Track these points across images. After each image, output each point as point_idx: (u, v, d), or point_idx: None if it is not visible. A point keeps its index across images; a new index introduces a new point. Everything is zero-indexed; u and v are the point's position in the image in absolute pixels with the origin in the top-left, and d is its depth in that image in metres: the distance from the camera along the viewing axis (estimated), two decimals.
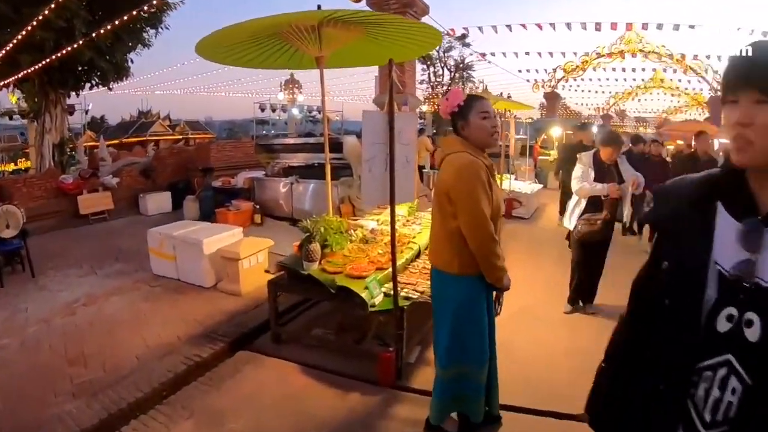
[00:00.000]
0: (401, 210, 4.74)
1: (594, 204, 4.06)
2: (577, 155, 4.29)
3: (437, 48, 23.88)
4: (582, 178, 4.10)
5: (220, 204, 7.73)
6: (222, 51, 4.36)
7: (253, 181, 8.31)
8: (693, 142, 10.93)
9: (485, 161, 2.23)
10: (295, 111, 17.92)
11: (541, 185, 10.56)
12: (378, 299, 3.13)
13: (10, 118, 17.90)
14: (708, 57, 19.75)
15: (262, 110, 20.23)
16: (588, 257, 4.24)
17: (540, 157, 14.13)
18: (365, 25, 4.15)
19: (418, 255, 3.91)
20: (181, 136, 29.73)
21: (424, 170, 9.41)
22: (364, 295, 3.08)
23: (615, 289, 4.48)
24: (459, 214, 2.17)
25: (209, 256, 4.85)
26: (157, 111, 32.18)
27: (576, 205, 4.22)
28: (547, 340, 3.86)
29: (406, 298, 3.12)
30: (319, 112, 21.82)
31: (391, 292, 3.05)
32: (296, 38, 4.06)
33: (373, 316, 3.30)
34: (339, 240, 3.63)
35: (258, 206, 7.68)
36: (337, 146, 7.03)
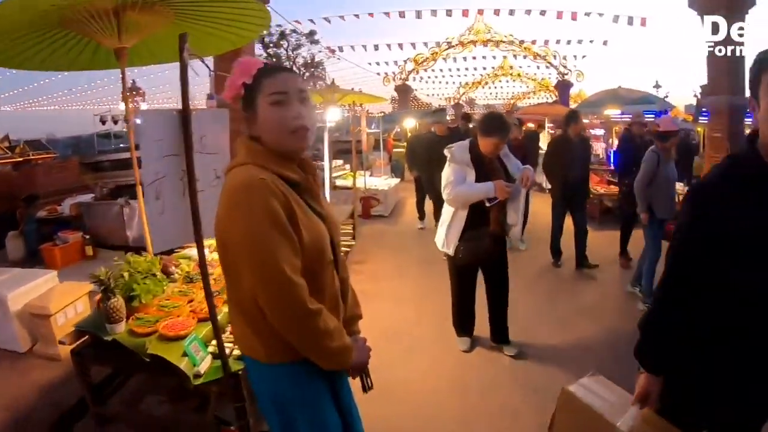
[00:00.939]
0: None
1: (479, 216, 3.10)
2: (445, 151, 3.19)
3: (286, 47, 22.87)
4: (456, 181, 3.05)
5: (48, 237, 6.38)
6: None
7: (80, 207, 6.97)
8: (548, 123, 11.57)
9: (291, 175, 1.36)
10: (139, 121, 15.83)
11: (398, 179, 10.48)
12: (204, 365, 2.29)
13: None
14: (558, 42, 21.33)
15: (103, 123, 18.26)
16: (471, 284, 3.42)
17: (394, 150, 14.31)
18: (173, 6, 3.27)
19: None
20: (21, 159, 25.36)
21: None
22: (182, 365, 2.24)
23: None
24: (243, 274, 1.31)
25: (18, 314, 3.79)
26: None
27: (453, 221, 3.16)
28: (428, 370, 3.39)
29: (241, 359, 2.32)
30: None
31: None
32: (89, 27, 3.06)
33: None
34: (151, 286, 2.67)
35: (88, 236, 6.41)
36: None
